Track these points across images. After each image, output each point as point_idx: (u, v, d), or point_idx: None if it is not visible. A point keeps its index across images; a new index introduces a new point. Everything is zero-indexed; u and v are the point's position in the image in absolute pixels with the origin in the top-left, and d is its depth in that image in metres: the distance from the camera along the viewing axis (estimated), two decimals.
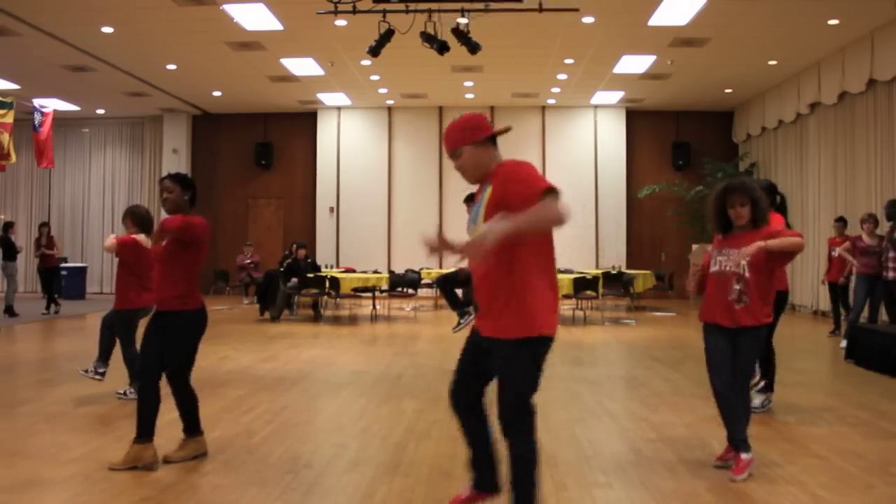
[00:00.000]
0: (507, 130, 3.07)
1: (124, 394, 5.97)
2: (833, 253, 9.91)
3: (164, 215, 4.49)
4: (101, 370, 6.12)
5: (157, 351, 4.19)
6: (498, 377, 2.95)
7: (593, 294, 12.15)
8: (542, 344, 2.90)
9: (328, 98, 16.26)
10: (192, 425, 4.38)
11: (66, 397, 6.04)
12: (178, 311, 4.21)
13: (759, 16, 10.33)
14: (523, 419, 2.91)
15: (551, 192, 2.71)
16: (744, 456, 4.05)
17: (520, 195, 2.74)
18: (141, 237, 5.86)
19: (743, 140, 16.62)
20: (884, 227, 9.09)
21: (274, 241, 17.53)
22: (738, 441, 4.09)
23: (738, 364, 4.17)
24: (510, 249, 2.79)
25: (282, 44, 11.89)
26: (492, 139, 3.00)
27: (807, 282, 13.61)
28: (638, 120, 17.10)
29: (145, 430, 4.16)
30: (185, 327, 4.25)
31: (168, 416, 4.57)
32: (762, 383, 5.59)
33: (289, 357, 8.36)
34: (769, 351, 5.56)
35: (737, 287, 4.10)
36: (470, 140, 2.97)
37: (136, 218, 5.94)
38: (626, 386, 6.80)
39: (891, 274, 8.27)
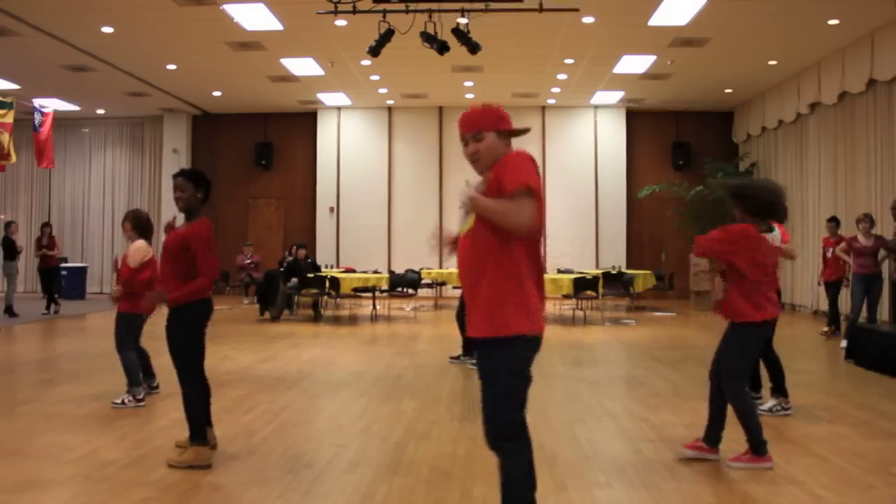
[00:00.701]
0: (526, 132, 2.96)
1: (122, 402, 5.75)
2: (827, 253, 9.92)
3: (164, 217, 4.47)
4: (152, 385, 6.03)
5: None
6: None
7: (593, 294, 12.15)
8: (514, 343, 2.71)
9: (328, 98, 16.26)
10: (194, 430, 4.21)
11: (66, 397, 6.04)
12: (183, 305, 4.21)
13: (759, 16, 10.33)
14: (505, 431, 2.73)
15: (529, 191, 2.62)
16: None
17: (507, 179, 2.65)
18: (140, 243, 5.83)
19: (743, 140, 16.62)
20: (882, 226, 9.09)
21: (274, 241, 17.53)
22: (710, 438, 4.40)
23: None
24: (495, 250, 2.70)
25: (282, 44, 11.89)
26: (509, 136, 2.87)
27: (807, 282, 13.61)
28: (638, 120, 17.10)
29: (196, 432, 4.18)
30: (186, 317, 4.21)
31: (175, 415, 4.56)
32: (772, 402, 5.56)
33: (289, 357, 8.36)
34: (772, 355, 5.53)
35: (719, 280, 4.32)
36: (496, 126, 2.82)
37: (138, 223, 5.92)
38: (626, 386, 6.79)
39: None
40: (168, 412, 5.45)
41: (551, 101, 16.53)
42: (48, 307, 13.03)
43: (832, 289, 9.99)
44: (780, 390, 5.54)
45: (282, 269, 12.77)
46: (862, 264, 8.83)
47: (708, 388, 4.41)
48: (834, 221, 10.04)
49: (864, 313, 9.03)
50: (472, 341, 2.82)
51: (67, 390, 6.32)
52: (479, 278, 2.74)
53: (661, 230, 16.80)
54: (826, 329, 10.22)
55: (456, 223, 2.97)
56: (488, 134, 2.80)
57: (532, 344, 2.75)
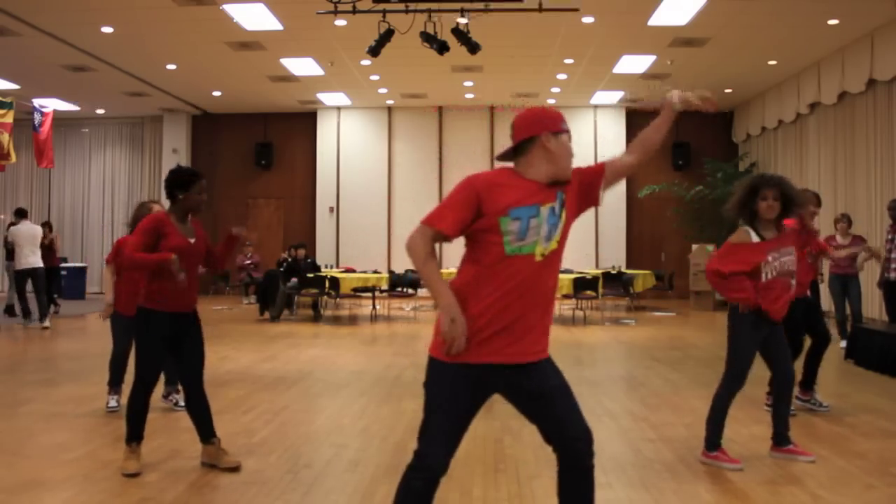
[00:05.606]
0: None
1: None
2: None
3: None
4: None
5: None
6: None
7: (593, 294, 12.15)
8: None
9: (328, 98, 16.27)
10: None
11: (66, 397, 6.04)
12: None
13: (759, 16, 10.33)
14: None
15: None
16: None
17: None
18: None
19: (743, 140, 16.62)
20: (882, 226, 9.08)
21: (274, 241, 17.53)
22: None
23: None
24: None
25: (282, 44, 11.89)
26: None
27: None
28: (638, 120, 17.08)
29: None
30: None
31: (174, 416, 4.56)
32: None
33: (289, 357, 8.36)
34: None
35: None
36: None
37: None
38: (626, 386, 6.80)
39: (892, 274, 8.26)
40: (168, 413, 5.45)
41: (551, 101, 16.51)
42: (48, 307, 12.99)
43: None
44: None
45: (282, 269, 12.78)
46: (838, 264, 8.83)
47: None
48: None
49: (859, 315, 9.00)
50: (545, 361, 2.74)
51: (67, 390, 6.32)
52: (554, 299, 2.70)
53: (661, 230, 16.80)
54: None
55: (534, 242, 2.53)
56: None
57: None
